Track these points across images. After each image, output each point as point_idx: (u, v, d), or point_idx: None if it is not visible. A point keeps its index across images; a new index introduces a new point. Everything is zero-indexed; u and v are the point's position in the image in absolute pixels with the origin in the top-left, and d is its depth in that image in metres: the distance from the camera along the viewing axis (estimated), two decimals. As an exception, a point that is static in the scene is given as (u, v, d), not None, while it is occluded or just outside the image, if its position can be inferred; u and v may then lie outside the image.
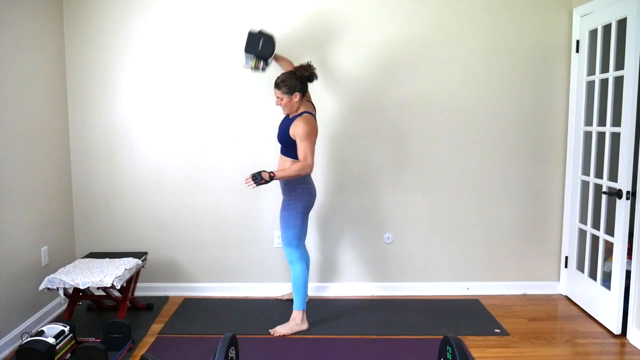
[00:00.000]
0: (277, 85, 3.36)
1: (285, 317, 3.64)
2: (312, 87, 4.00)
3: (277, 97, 3.38)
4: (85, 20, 3.97)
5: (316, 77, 3.47)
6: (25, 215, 3.47)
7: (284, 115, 3.54)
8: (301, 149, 3.29)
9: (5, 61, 3.25)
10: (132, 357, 3.17)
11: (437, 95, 4.03)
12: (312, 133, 3.32)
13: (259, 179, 3.21)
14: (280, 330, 3.45)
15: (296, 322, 3.48)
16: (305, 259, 3.57)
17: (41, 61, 3.67)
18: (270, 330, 3.47)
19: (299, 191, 3.45)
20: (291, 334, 3.44)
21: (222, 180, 4.09)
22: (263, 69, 3.66)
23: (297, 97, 3.36)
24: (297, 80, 3.35)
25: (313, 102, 3.64)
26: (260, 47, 3.54)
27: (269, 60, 3.62)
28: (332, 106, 4.03)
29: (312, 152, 3.31)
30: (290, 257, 3.50)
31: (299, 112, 3.41)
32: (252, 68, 3.64)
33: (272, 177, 3.24)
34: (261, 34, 3.57)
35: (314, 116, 3.46)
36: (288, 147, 3.45)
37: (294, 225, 3.47)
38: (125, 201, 4.12)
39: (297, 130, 3.31)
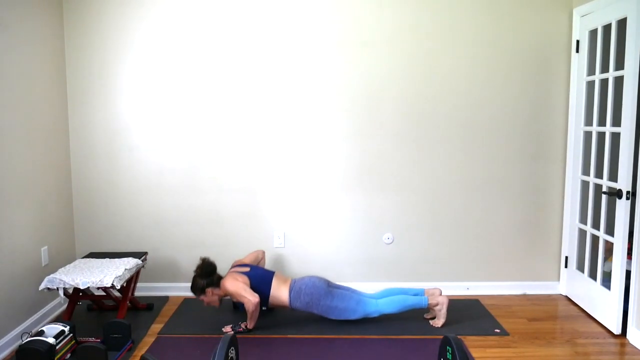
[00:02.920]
0: (193, 291, 3.60)
1: (285, 316, 3.68)
2: (312, 87, 4.01)
3: (201, 300, 3.70)
4: (85, 20, 3.97)
5: (215, 268, 3.61)
6: (25, 215, 3.47)
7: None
8: (238, 297, 3.46)
9: (5, 61, 3.25)
10: (132, 357, 3.17)
11: (437, 95, 4.03)
12: (232, 286, 3.46)
13: (236, 330, 3.49)
14: (438, 322, 3.54)
15: (435, 310, 3.55)
16: (379, 297, 3.60)
17: (41, 61, 3.68)
18: (431, 322, 3.57)
19: (302, 297, 3.50)
20: (445, 316, 3.54)
21: (222, 180, 4.09)
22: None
23: (210, 292, 3.56)
24: (202, 278, 3.55)
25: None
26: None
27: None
28: (331, 106, 4.03)
29: (243, 289, 3.43)
30: (370, 316, 3.52)
31: (223, 288, 3.54)
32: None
33: (247, 328, 3.50)
34: None
35: (233, 273, 3.59)
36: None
37: (337, 307, 3.49)
38: (125, 201, 4.12)
39: (229, 290, 3.49)
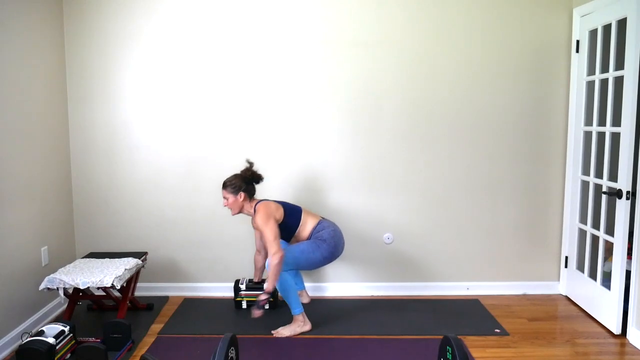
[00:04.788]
0: (225, 185, 3.52)
1: (284, 317, 3.66)
2: (313, 87, 4.01)
3: (224, 197, 3.54)
4: (85, 20, 3.97)
5: (262, 179, 3.58)
6: (25, 215, 3.47)
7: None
8: (265, 238, 3.39)
9: (5, 61, 3.25)
10: (132, 357, 3.17)
11: (437, 94, 4.03)
12: (270, 216, 3.41)
13: (261, 305, 3.34)
14: (283, 332, 3.44)
15: (298, 324, 3.47)
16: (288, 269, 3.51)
17: (41, 61, 3.67)
18: (272, 332, 3.46)
19: (324, 235, 3.50)
20: (294, 335, 3.44)
21: (222, 180, 4.09)
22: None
23: (241, 196, 3.50)
24: (242, 181, 3.51)
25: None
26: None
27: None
28: (330, 106, 4.03)
29: (275, 240, 3.35)
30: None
31: (254, 205, 3.52)
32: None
33: (268, 293, 3.34)
34: None
35: (270, 201, 3.54)
36: (283, 233, 3.56)
37: (310, 259, 3.45)
38: (125, 201, 4.12)
39: (257, 223, 3.43)
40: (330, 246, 3.50)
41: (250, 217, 3.80)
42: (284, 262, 3.39)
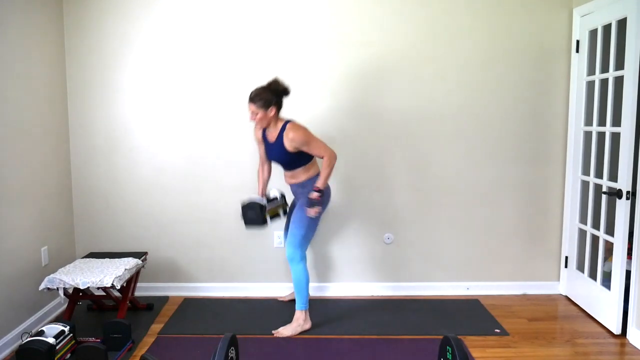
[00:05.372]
0: (252, 99, 3.25)
1: (284, 317, 3.65)
2: (311, 87, 4.01)
3: (252, 112, 3.27)
4: (85, 21, 3.97)
5: (290, 92, 3.38)
6: (25, 215, 3.47)
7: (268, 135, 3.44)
8: (315, 149, 3.32)
9: (5, 61, 3.25)
10: (132, 357, 3.17)
11: (437, 95, 4.03)
12: (310, 133, 3.35)
13: (316, 202, 3.35)
14: (284, 331, 3.43)
15: (299, 322, 3.47)
16: (306, 259, 3.54)
17: (41, 61, 3.67)
18: (273, 332, 3.46)
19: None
20: (295, 335, 3.44)
21: (222, 180, 4.09)
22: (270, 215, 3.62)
23: (272, 111, 3.27)
24: (272, 94, 3.27)
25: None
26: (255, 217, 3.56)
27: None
28: (330, 106, 4.03)
29: (324, 144, 3.36)
30: (292, 256, 3.43)
31: (281, 124, 3.35)
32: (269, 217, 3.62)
33: (319, 191, 3.34)
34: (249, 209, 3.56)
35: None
36: (291, 162, 3.43)
37: (307, 226, 3.45)
38: (126, 201, 4.12)
39: (296, 139, 3.28)
40: (323, 203, 3.46)
41: (253, 128, 3.63)
42: (300, 245, 3.41)
